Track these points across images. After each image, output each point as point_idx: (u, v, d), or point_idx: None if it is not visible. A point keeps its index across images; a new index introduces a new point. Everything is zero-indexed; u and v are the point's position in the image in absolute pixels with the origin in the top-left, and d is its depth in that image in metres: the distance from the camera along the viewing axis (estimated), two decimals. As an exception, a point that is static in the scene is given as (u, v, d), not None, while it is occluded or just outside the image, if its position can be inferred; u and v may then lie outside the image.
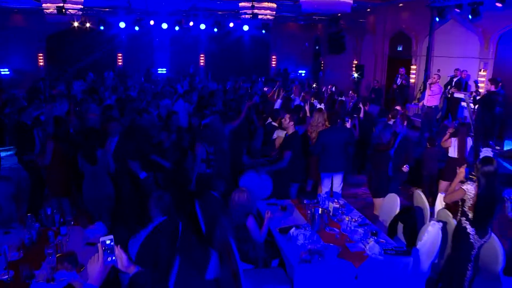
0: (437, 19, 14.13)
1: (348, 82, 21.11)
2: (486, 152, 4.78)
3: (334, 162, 6.93)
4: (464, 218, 4.83)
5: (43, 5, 15.16)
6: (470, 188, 4.76)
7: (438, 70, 15.66)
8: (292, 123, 6.57)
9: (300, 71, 25.75)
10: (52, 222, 4.77)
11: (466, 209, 4.80)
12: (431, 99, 11.67)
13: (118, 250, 2.63)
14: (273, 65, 26.33)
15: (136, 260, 4.19)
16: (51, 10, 15.42)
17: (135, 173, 5.64)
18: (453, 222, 5.12)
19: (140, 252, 4.16)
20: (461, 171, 5.04)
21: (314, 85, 14.92)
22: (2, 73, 21.43)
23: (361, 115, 9.26)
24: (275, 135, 7.50)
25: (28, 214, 4.67)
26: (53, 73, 21.31)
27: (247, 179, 6.56)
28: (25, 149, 6.90)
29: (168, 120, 7.53)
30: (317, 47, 25.54)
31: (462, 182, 4.88)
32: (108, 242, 2.55)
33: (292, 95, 13.15)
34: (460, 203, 4.89)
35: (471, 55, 14.14)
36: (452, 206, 5.31)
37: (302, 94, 11.24)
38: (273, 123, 8.11)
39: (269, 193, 6.47)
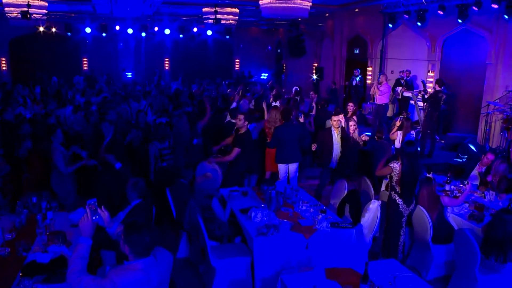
0: (390, 25, 15.18)
1: (309, 84, 22.06)
2: (409, 136, 5.68)
3: (289, 155, 7.69)
4: (393, 192, 5.88)
5: (6, 9, 15.20)
6: (395, 166, 5.77)
7: (392, 72, 16.83)
8: (246, 122, 7.31)
9: (262, 74, 26.55)
10: (38, 209, 5.31)
11: (394, 184, 5.81)
12: (380, 98, 12.64)
13: (101, 210, 3.40)
14: (237, 68, 27.06)
15: (115, 237, 4.81)
16: (15, 14, 15.52)
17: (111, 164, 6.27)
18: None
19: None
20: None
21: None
22: (-38, 77, 21.35)
23: (313, 112, 10.13)
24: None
25: (18, 201, 5.21)
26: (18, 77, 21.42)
27: (200, 169, 7.29)
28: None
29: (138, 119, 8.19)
30: (279, 51, 26.42)
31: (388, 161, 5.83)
32: (93, 203, 3.32)
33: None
34: (389, 179, 5.89)
35: (420, 57, 15.23)
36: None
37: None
38: (232, 121, 8.80)
39: (219, 182, 7.14)
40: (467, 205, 6.26)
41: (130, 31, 20.12)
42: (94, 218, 3.29)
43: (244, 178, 7.65)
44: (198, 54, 24.69)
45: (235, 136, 7.48)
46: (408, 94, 13.34)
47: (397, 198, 5.84)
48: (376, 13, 16.43)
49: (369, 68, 18.10)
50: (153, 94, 18.53)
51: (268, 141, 7.92)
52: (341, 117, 7.84)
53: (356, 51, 19.46)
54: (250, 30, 25.93)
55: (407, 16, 14.29)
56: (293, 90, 13.88)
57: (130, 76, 24.38)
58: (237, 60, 27.02)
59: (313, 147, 7.65)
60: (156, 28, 20.68)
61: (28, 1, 14.66)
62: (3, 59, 22.44)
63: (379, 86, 12.50)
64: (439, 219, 5.71)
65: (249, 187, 6.89)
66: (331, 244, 5.24)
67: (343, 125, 7.93)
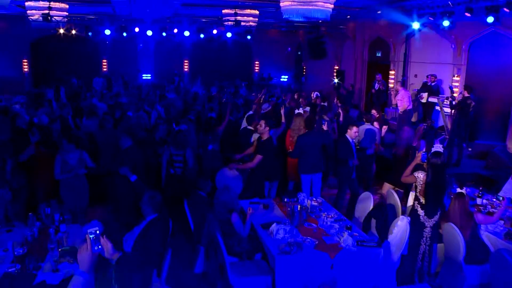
0: (416, 26, 14.72)
1: (330, 87, 21.68)
2: (436, 147, 5.35)
3: (313, 165, 7.40)
4: (416, 202, 5.59)
5: (28, 12, 15.25)
6: (420, 176, 5.50)
7: (415, 75, 16.40)
8: (267, 128, 7.08)
9: (282, 76, 26.25)
10: (51, 221, 5.12)
11: (417, 194, 5.53)
12: (401, 103, 12.30)
13: (103, 240, 2.97)
14: (256, 70, 26.81)
15: (131, 253, 4.58)
16: (36, 17, 15.56)
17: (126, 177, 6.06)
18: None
19: (135, 246, 4.56)
20: (418, 155, 5.73)
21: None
22: (-14, 78, 21.52)
23: (341, 118, 9.77)
24: (252, 139, 7.97)
25: (30, 214, 5.03)
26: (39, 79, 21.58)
27: (220, 176, 7.06)
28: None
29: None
30: (299, 53, 26.09)
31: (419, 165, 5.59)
32: (94, 231, 2.88)
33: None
34: (414, 189, 5.64)
35: (445, 61, 14.76)
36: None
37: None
38: (249, 127, 8.53)
39: (240, 189, 6.94)
40: (502, 222, 5.87)
41: (149, 33, 20.03)
42: (95, 248, 2.86)
43: (264, 186, 7.38)
44: (217, 56, 24.50)
45: (257, 142, 7.24)
46: (434, 99, 12.91)
47: (419, 208, 5.53)
48: (399, 15, 16.00)
49: (392, 72, 17.64)
50: (172, 97, 18.47)
51: (290, 150, 7.65)
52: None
53: (378, 54, 19.03)
54: (270, 32, 25.64)
55: (432, 18, 13.84)
56: (314, 95, 13.52)
57: (150, 77, 24.31)
58: (256, 62, 26.76)
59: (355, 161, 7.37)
60: (175, 30, 20.56)
61: (49, 4, 14.65)
62: (25, 60, 22.60)
63: (396, 94, 12.21)
64: (473, 237, 5.37)
65: (270, 198, 6.61)
66: (357, 264, 4.94)
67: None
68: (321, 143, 7.44)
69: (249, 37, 20.60)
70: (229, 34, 20.35)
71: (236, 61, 25.26)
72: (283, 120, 8.38)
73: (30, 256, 4.23)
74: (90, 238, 2.71)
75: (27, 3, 14.59)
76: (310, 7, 13.50)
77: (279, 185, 7.76)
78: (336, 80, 19.53)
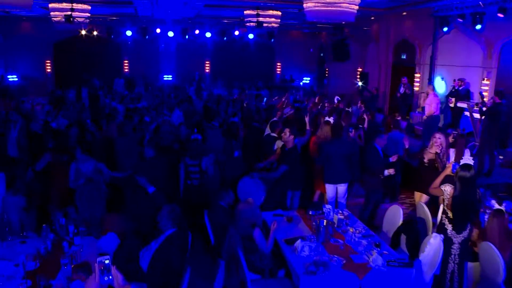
0: (444, 29, 14.25)
1: (353, 90, 21.26)
2: (466, 159, 5.01)
3: (338, 174, 7.08)
4: (444, 216, 5.27)
5: (51, 13, 15.31)
6: (447, 190, 5.21)
7: (442, 79, 15.90)
8: (292, 137, 6.79)
9: (304, 78, 25.90)
10: (66, 232, 4.93)
11: (445, 207, 5.23)
12: (428, 108, 11.88)
13: (114, 270, 2.72)
14: (278, 72, 26.51)
15: (148, 270, 4.35)
16: (59, 18, 15.60)
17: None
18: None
19: (152, 262, 4.32)
20: (448, 166, 5.44)
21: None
22: (10, 79, 21.71)
23: (365, 125, 9.41)
24: (276, 146, 7.67)
25: (43, 225, 4.84)
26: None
27: (242, 185, 6.79)
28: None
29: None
30: (321, 54, 25.69)
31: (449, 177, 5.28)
32: (105, 262, 2.62)
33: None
34: (442, 202, 5.33)
35: (474, 64, 14.25)
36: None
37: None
38: (272, 134, 8.15)
39: (262, 200, 6.66)
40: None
41: (170, 34, 19.95)
42: (105, 279, 2.62)
43: (287, 196, 7.09)
44: (239, 57, 24.26)
45: (281, 151, 6.97)
46: (463, 105, 12.44)
47: (446, 222, 5.20)
48: (426, 16, 15.51)
49: (417, 75, 17.19)
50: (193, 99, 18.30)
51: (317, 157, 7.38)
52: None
53: (403, 56, 18.56)
54: (292, 33, 25.33)
55: (461, 20, 13.36)
56: (335, 100, 13.15)
57: (171, 78, 24.22)
58: (278, 64, 26.45)
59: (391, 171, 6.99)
60: (197, 31, 20.43)
61: (72, 6, 14.66)
62: (48, 62, 22.76)
63: (425, 98, 11.79)
64: (512, 258, 4.99)
65: (293, 210, 6.30)
66: (388, 285, 4.62)
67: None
68: (347, 152, 7.11)
69: (272, 39, 20.29)
70: (251, 36, 20.12)
71: (257, 63, 25.01)
72: (307, 127, 8.05)
73: (41, 274, 4.02)
74: (100, 268, 2.49)
75: (50, 5, 14.68)
76: (335, 8, 13.18)
77: (303, 194, 7.43)
78: (360, 83, 18.96)
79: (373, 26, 20.09)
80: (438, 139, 6.85)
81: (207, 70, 25.53)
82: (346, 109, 10.44)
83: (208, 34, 20.19)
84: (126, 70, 23.91)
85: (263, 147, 8.04)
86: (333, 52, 21.61)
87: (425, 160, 7.04)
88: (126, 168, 6.63)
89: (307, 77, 25.98)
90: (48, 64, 22.78)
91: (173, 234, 4.44)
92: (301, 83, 25.42)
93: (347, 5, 12.79)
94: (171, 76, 24.38)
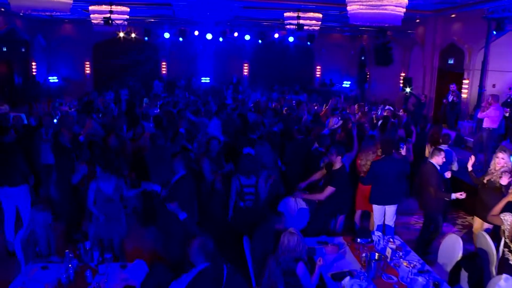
0: (495, 32, 13.32)
1: (395, 94, 20.42)
2: None
3: (388, 194, 6.47)
4: (506, 249, 4.71)
5: (91, 15, 15.27)
6: (508, 219, 4.70)
7: (493, 86, 14.93)
8: (339, 157, 6.18)
9: (344, 82, 25.15)
10: (90, 258, 4.56)
11: (506, 239, 4.68)
12: (487, 121, 11.00)
13: None
14: (318, 75, 25.87)
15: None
16: (99, 21, 15.56)
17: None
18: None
19: (183, 300, 3.87)
20: (511, 193, 4.96)
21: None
22: (51, 81, 21.95)
23: (413, 138, 8.72)
24: (323, 162, 7.08)
25: (66, 251, 4.47)
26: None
27: (283, 206, 6.26)
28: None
29: (209, 146, 7.07)
30: (362, 58, 24.87)
31: None
32: None
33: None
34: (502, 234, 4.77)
35: (531, 70, 13.32)
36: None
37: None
38: (320, 149, 7.38)
39: (305, 223, 6.12)
40: None
41: (209, 36, 19.65)
42: None
43: (331, 219, 6.52)
44: (277, 59, 23.77)
45: (327, 171, 6.39)
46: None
47: (510, 257, 4.62)
48: (478, 19, 14.54)
49: (465, 81, 16.23)
50: (231, 107, 17.89)
51: (362, 175, 6.77)
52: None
53: (451, 61, 17.60)
54: (333, 36, 24.63)
55: (518, 23, 12.42)
56: (381, 111, 12.25)
57: (208, 81, 23.94)
58: (318, 67, 25.79)
59: (461, 195, 6.10)
60: (236, 34, 20.07)
61: (111, 8, 14.56)
62: (87, 63, 22.88)
63: (486, 108, 10.88)
64: None
65: (339, 237, 5.69)
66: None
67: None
68: (399, 171, 6.49)
69: (309, 43, 19.73)
70: (291, 39, 19.63)
71: (296, 66, 24.46)
72: (355, 141, 7.41)
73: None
74: None
75: (90, 7, 14.63)
76: (380, 11, 12.49)
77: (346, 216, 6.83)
78: (408, 89, 17.77)
79: (417, 29, 19.22)
80: (502, 159, 6.14)
81: (245, 73, 25.14)
82: (392, 120, 9.70)
83: (247, 37, 19.77)
84: (164, 72, 23.78)
85: (309, 163, 7.39)
86: (376, 56, 20.82)
87: (485, 181, 6.36)
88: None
89: (347, 81, 25.21)
90: (88, 66, 22.90)
91: (206, 268, 3.96)
92: (344, 86, 24.62)
93: (393, 7, 12.10)
94: (208, 78, 24.10)
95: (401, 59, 20.78)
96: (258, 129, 8.52)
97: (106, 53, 22.09)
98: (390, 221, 6.59)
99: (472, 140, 12.32)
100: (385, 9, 11.97)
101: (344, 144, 7.54)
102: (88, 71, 23.00)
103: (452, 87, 14.33)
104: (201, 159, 6.70)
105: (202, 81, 23.71)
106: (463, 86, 16.06)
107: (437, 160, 6.37)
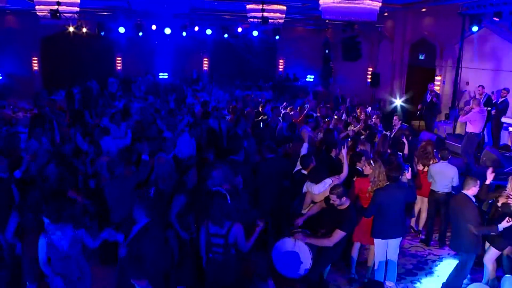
0: (475, 27, 12.72)
1: (363, 91, 19.80)
2: None
3: (392, 227, 5.58)
4: None
5: (36, 7, 13.70)
6: None
7: (467, 83, 14.46)
8: (344, 199, 5.20)
9: (308, 76, 24.38)
10: None
11: None
12: (471, 126, 10.41)
13: None
14: (280, 69, 24.96)
15: None
16: (45, 13, 14.01)
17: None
18: None
19: None
20: None
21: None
22: (-7, 77, 19.95)
23: (405, 151, 7.89)
24: (305, 189, 6.08)
25: None
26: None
27: (278, 248, 5.27)
28: None
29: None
30: (326, 51, 24.08)
31: None
32: None
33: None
34: None
35: (508, 68, 12.83)
36: None
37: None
38: (303, 171, 6.30)
39: (304, 272, 5.15)
40: None
41: (167, 31, 18.34)
42: None
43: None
44: (239, 54, 22.71)
45: (332, 212, 5.31)
46: (509, 120, 10.99)
47: None
48: (450, 14, 13.99)
49: (438, 77, 15.74)
50: (190, 103, 16.68)
51: (362, 206, 5.86)
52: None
53: (421, 57, 17.08)
54: (296, 29, 23.71)
55: (497, 19, 11.84)
56: (367, 113, 11.07)
57: (166, 77, 22.59)
58: (281, 61, 24.86)
59: (508, 221, 5.17)
60: (196, 28, 18.89)
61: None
62: (35, 58, 20.95)
63: (467, 113, 10.29)
64: None
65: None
66: None
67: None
68: (404, 199, 5.63)
69: (277, 37, 18.78)
70: (255, 33, 18.63)
71: (258, 60, 23.39)
72: (344, 164, 6.18)
73: None
74: None
75: (35, -3, 13.05)
76: (355, 5, 11.69)
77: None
78: (398, 101, 15.19)
79: (386, 23, 18.66)
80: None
81: (205, 68, 23.91)
82: (384, 132, 8.83)
83: (208, 31, 18.62)
84: (119, 67, 22.22)
85: (290, 187, 6.40)
86: (343, 50, 20.09)
87: (499, 203, 5.64)
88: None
89: (311, 75, 24.44)
90: (35, 62, 20.98)
91: None
92: (308, 80, 23.81)
93: (369, 1, 11.34)
94: (166, 74, 22.76)
95: (368, 54, 20.20)
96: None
97: (56, 48, 20.23)
98: (393, 255, 5.74)
99: (452, 143, 11.74)
100: (362, 3, 11.15)
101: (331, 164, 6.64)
102: (36, 68, 21.08)
103: (431, 86, 13.70)
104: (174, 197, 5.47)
105: (160, 77, 22.36)
106: (435, 82, 15.53)
107: (474, 191, 5.51)
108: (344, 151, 6.17)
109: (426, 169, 7.25)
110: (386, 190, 5.52)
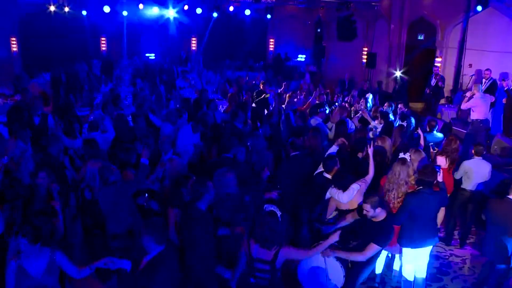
0: (479, 7, 12.12)
1: (357, 71, 19.17)
2: None
3: (423, 235, 5.02)
4: None
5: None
6: None
7: (470, 65, 13.95)
8: (379, 209, 4.56)
9: (299, 56, 23.67)
10: None
11: None
12: (475, 114, 9.90)
13: None
14: (271, 49, 24.17)
15: None
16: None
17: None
18: None
19: None
20: None
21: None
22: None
23: (421, 142, 7.32)
24: (328, 195, 5.44)
25: None
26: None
27: (305, 265, 4.68)
28: None
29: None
30: (318, 30, 23.32)
31: None
32: None
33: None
34: None
35: (512, 50, 12.35)
36: None
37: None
38: (326, 175, 5.64)
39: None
40: None
41: (155, 10, 17.43)
42: None
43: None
44: (228, 33, 21.88)
45: (366, 223, 4.70)
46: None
47: None
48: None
49: (438, 59, 15.16)
50: (181, 86, 15.90)
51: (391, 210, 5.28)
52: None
53: (420, 37, 16.47)
54: (287, 7, 22.84)
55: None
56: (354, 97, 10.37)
57: (154, 57, 21.66)
58: (271, 40, 24.05)
59: None
60: (186, 7, 17.98)
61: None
62: (13, 39, 19.72)
63: (469, 99, 9.76)
64: None
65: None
66: None
67: None
68: (438, 205, 5.09)
69: (269, 16, 18.01)
70: (247, 12, 17.82)
71: (249, 39, 22.58)
72: (370, 164, 5.44)
73: None
74: None
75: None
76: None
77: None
78: (398, 74, 15.48)
79: (383, 1, 17.93)
80: None
81: (193, 47, 22.98)
82: (401, 123, 8.21)
83: (198, 11, 17.74)
84: (104, 48, 21.18)
85: (310, 191, 5.75)
86: (338, 30, 19.33)
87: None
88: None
89: (302, 54, 23.73)
90: (14, 43, 19.79)
91: None
92: (299, 60, 23.08)
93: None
94: (154, 54, 21.82)
95: (363, 33, 19.46)
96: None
97: (37, 28, 19.04)
98: (422, 265, 5.21)
99: (459, 129, 11.26)
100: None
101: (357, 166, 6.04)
102: (15, 49, 19.90)
103: (436, 69, 13.12)
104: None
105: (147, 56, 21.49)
106: (436, 64, 14.97)
107: None
108: (370, 150, 5.55)
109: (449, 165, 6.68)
110: (419, 196, 4.93)
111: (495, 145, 9.99)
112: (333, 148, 6.07)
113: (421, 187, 4.97)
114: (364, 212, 4.54)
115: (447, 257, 6.65)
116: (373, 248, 4.50)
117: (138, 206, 4.95)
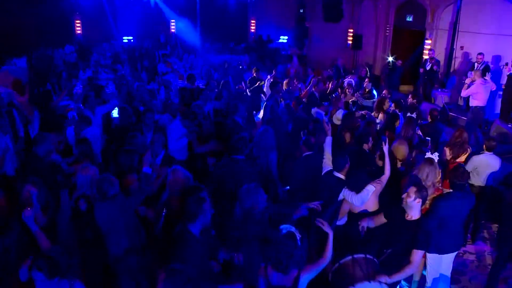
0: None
1: (342, 53, 18.69)
2: None
3: (451, 240, 4.69)
4: None
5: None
6: None
7: (461, 48, 13.67)
8: (419, 201, 3.98)
9: (281, 37, 23.09)
10: None
11: None
12: (473, 99, 9.64)
13: None
14: (252, 30, 23.50)
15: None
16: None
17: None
18: None
19: None
20: None
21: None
22: None
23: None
24: (341, 196, 4.96)
25: None
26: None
27: None
28: None
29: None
30: (301, 11, 22.71)
31: None
32: None
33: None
34: None
35: (508, 33, 12.07)
36: None
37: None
38: (337, 174, 5.12)
39: None
40: None
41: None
42: None
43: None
44: (207, 14, 21.12)
45: (399, 227, 4.20)
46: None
47: None
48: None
49: (428, 41, 14.81)
50: (163, 71, 15.24)
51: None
52: None
53: (409, 19, 16.07)
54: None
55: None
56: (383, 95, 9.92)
57: (132, 40, 20.77)
58: (252, 21, 23.35)
59: None
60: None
61: None
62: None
63: (470, 84, 9.49)
64: None
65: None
66: None
67: None
68: (468, 209, 4.73)
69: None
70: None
71: (229, 20, 21.85)
72: (386, 163, 4.90)
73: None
74: None
75: None
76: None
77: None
78: (390, 59, 15.12)
79: (369, -21, 17.44)
80: None
81: (172, 30, 22.12)
82: (409, 114, 7.75)
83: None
84: (79, 31, 20.11)
85: (318, 193, 5.23)
86: (324, 10, 18.75)
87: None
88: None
89: (284, 35, 23.14)
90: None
91: None
92: (281, 41, 22.49)
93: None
94: (132, 37, 20.93)
95: (349, 14, 18.92)
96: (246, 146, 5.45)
97: (5, 9, 17.83)
98: (447, 270, 4.87)
99: (456, 115, 11.01)
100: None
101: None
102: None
103: (431, 53, 12.75)
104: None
105: (124, 40, 20.56)
106: (425, 46, 14.63)
107: None
108: (385, 148, 5.08)
109: (459, 159, 6.33)
110: (450, 200, 4.55)
111: (494, 131, 9.76)
112: (328, 140, 5.50)
113: (451, 190, 4.60)
114: (404, 195, 4.07)
115: (460, 254, 6.34)
116: (417, 254, 3.96)
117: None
